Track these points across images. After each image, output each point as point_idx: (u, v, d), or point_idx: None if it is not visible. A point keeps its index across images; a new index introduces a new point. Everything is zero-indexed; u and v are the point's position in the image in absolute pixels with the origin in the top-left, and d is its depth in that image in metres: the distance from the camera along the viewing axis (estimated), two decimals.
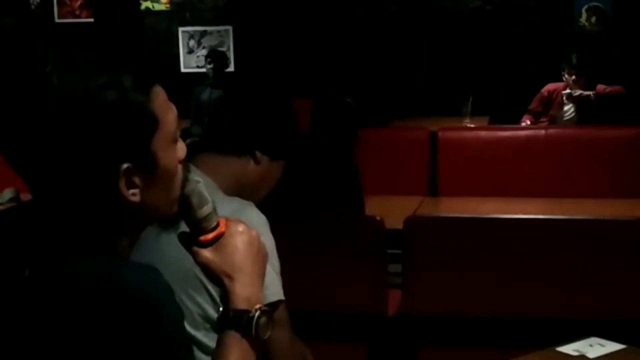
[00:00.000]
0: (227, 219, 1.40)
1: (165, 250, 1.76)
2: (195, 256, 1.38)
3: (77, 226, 1.23)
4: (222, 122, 2.11)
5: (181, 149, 1.32)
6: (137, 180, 1.23)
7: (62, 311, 1.16)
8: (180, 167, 1.31)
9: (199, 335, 1.85)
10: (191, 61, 8.60)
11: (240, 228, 1.40)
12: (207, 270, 1.39)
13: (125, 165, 1.21)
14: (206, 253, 1.38)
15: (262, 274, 1.42)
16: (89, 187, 1.21)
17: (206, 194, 1.35)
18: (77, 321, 1.16)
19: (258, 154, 2.05)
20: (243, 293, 1.37)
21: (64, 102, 1.18)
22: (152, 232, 1.80)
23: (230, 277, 1.37)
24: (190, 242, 1.38)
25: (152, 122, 1.24)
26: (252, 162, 2.06)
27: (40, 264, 1.20)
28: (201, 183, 1.35)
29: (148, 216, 1.29)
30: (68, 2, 8.59)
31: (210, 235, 1.37)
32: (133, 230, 1.30)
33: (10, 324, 1.20)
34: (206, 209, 1.35)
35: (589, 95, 6.59)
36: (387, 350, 3.20)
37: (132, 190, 1.23)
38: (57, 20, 8.60)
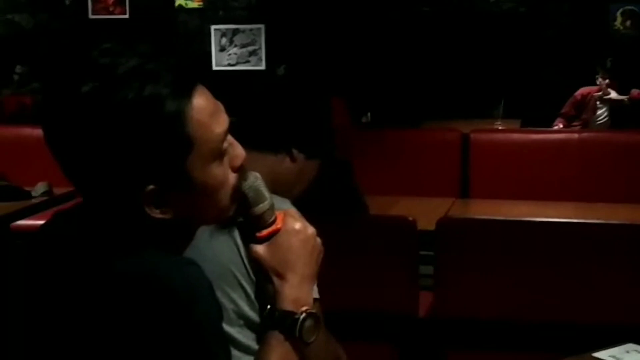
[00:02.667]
0: (285, 214, 1.38)
1: (202, 247, 1.75)
2: (249, 251, 1.37)
3: (120, 225, 1.22)
4: (259, 118, 2.10)
5: (236, 156, 1.28)
6: (167, 199, 1.20)
7: (102, 304, 1.16)
8: (232, 176, 1.27)
9: (233, 331, 1.83)
10: (223, 59, 8.62)
11: (297, 226, 1.38)
12: (259, 266, 1.37)
13: (150, 187, 1.18)
14: (259, 249, 1.36)
15: (314, 275, 1.40)
16: (117, 199, 1.20)
17: (264, 190, 1.34)
18: (116, 313, 1.16)
19: (294, 151, 2.04)
20: (291, 294, 1.35)
21: (91, 113, 1.15)
22: (212, 230, 1.79)
23: (280, 276, 1.35)
24: (247, 236, 1.37)
25: (184, 144, 1.19)
26: (288, 160, 2.05)
27: (89, 258, 1.20)
28: (260, 179, 1.33)
29: (193, 224, 1.28)
30: None
31: (264, 232, 1.36)
32: (180, 233, 1.28)
33: (55, 317, 1.20)
34: (262, 206, 1.34)
35: (623, 99, 6.54)
36: (418, 352, 3.18)
37: (160, 209, 1.20)
38: (90, 16, 8.65)
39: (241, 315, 1.86)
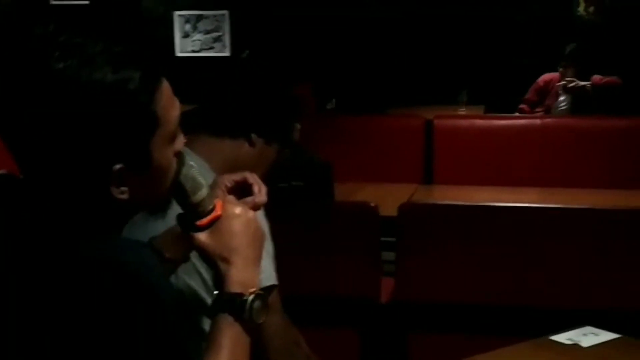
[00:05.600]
0: (223, 201, 1.38)
1: (157, 234, 1.75)
2: (191, 240, 1.37)
3: (67, 208, 1.21)
4: (218, 103, 2.10)
5: (180, 141, 1.29)
6: (127, 179, 1.20)
7: (59, 289, 1.15)
8: (174, 160, 1.29)
9: None
10: (187, 45, 8.56)
11: (237, 210, 1.38)
12: (203, 254, 1.37)
13: (118, 166, 1.19)
14: (202, 237, 1.36)
15: (259, 257, 1.40)
16: (78, 180, 1.19)
17: (200, 178, 1.34)
18: (76, 300, 1.14)
19: (253, 136, 2.04)
20: (237, 276, 1.35)
21: (65, 92, 1.14)
22: (144, 217, 1.78)
23: (225, 260, 1.35)
24: (188, 226, 1.37)
25: (153, 124, 1.21)
26: (246, 145, 2.04)
27: (36, 242, 1.18)
28: (195, 168, 1.33)
29: (136, 207, 1.28)
30: None
31: (205, 220, 1.35)
32: (121, 217, 1.28)
33: (10, 301, 1.18)
34: (200, 194, 1.34)
35: (585, 85, 6.58)
36: (380, 336, 3.19)
37: (121, 189, 1.21)
38: (52, 2, 8.54)
39: (199, 303, 1.86)
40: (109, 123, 1.16)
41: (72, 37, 1.17)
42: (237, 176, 1.58)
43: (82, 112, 1.15)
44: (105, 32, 1.20)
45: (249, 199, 1.50)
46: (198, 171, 1.34)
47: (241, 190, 1.55)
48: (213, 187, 1.40)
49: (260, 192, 1.54)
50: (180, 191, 1.32)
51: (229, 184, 1.57)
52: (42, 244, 1.18)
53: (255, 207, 1.47)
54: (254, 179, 1.57)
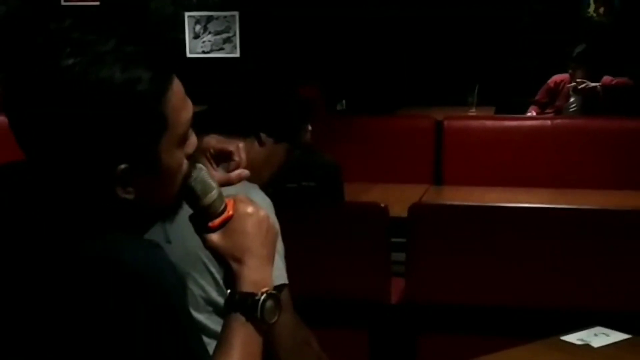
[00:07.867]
0: (235, 200, 1.37)
1: (169, 233, 1.76)
2: (203, 241, 1.37)
3: (72, 205, 1.21)
4: (228, 103, 2.10)
5: (191, 144, 1.29)
6: (133, 179, 1.20)
7: (65, 289, 1.15)
8: (185, 162, 1.28)
9: (202, 318, 1.84)
10: (197, 46, 8.58)
11: (249, 209, 1.37)
12: (216, 254, 1.37)
13: (122, 166, 1.18)
14: (214, 238, 1.35)
15: (271, 257, 1.40)
16: (83, 177, 1.19)
17: (210, 180, 1.34)
18: (81, 298, 1.14)
19: (263, 135, 2.05)
20: (250, 276, 1.34)
21: (71, 89, 1.14)
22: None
23: (238, 260, 1.35)
24: (200, 227, 1.37)
25: (161, 126, 1.20)
26: (256, 144, 2.05)
27: (44, 238, 1.18)
28: (205, 170, 1.33)
29: (143, 207, 1.27)
30: None
31: (217, 221, 1.35)
32: (128, 217, 1.27)
33: (14, 302, 1.18)
34: (210, 197, 1.33)
35: (596, 86, 6.56)
36: (390, 337, 3.19)
37: (126, 189, 1.20)
38: (63, 3, 8.58)
39: (209, 302, 1.87)
40: (115, 123, 1.15)
41: (85, 35, 1.17)
42: (220, 145, 1.70)
43: (89, 110, 1.14)
44: (119, 32, 1.20)
45: (234, 173, 1.54)
46: (208, 173, 1.34)
47: (224, 159, 1.66)
48: (197, 154, 1.38)
49: (241, 161, 1.62)
50: (190, 194, 1.32)
51: (212, 152, 1.69)
52: (44, 241, 1.18)
53: (239, 179, 1.52)
54: (234, 147, 1.65)
